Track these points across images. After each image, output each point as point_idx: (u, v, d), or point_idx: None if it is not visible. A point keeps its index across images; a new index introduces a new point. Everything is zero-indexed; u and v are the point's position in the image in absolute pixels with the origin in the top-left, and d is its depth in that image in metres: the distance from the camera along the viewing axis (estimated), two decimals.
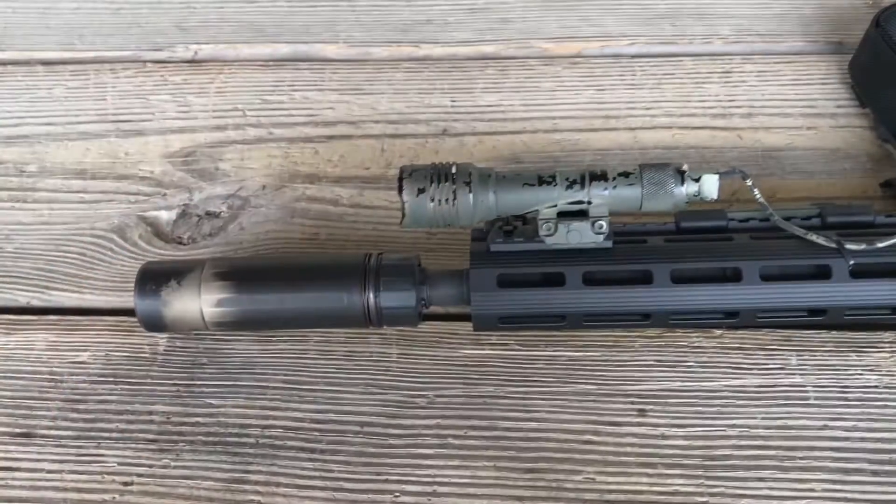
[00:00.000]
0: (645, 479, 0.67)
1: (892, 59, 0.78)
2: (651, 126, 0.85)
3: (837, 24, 0.91)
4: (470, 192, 0.67)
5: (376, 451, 0.70)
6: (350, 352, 0.75)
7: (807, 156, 0.83)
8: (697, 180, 0.67)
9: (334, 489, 0.68)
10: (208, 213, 0.84)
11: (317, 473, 0.69)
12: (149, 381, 0.74)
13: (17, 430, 0.73)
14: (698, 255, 0.68)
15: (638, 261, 0.68)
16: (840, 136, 0.83)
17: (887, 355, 0.71)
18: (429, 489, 0.68)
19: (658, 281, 0.67)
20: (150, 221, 0.83)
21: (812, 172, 0.81)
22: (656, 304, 0.67)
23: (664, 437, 0.69)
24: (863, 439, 0.68)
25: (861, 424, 0.68)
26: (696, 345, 0.73)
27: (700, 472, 0.67)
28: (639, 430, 0.69)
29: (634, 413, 0.70)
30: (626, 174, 0.67)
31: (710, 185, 0.67)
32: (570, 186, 0.67)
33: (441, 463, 0.69)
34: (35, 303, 0.80)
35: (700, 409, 0.70)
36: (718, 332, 0.73)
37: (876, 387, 0.70)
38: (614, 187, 0.67)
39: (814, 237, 0.67)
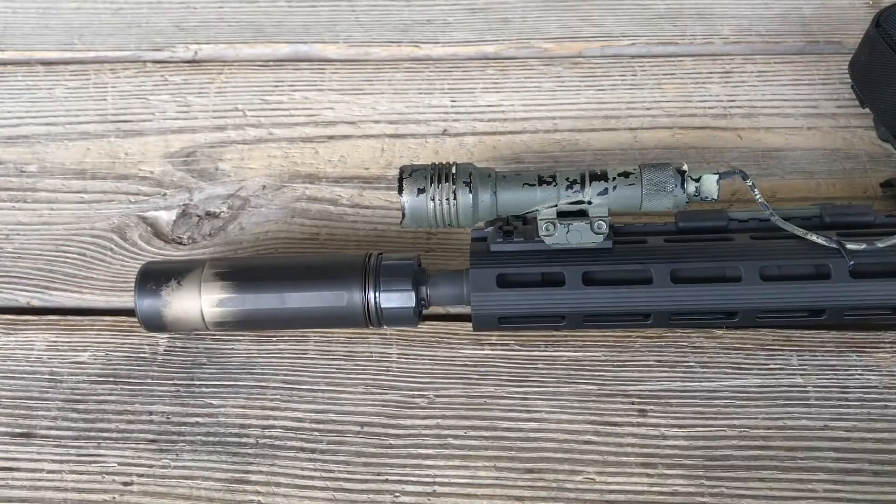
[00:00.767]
0: (645, 480, 0.67)
1: (892, 59, 0.78)
2: (651, 126, 0.85)
3: (837, 25, 0.91)
4: (470, 192, 0.67)
5: (376, 451, 0.70)
6: (350, 352, 0.75)
7: (807, 156, 0.83)
8: (697, 180, 0.67)
9: (334, 489, 0.68)
10: (208, 214, 0.84)
11: (317, 473, 0.69)
12: (149, 381, 0.74)
13: (17, 431, 0.72)
14: (698, 256, 0.67)
15: (638, 261, 0.68)
16: (840, 136, 0.83)
17: (887, 355, 0.71)
18: (429, 489, 0.68)
19: (658, 281, 0.67)
20: (150, 221, 0.83)
21: (812, 172, 0.81)
22: (656, 304, 0.67)
23: (664, 437, 0.69)
24: (863, 439, 0.68)
25: (861, 425, 0.68)
26: (696, 345, 0.73)
27: (700, 473, 0.67)
28: (639, 431, 0.69)
29: (635, 413, 0.70)
30: (626, 174, 0.67)
31: (710, 185, 0.67)
32: (570, 186, 0.67)
33: (441, 463, 0.69)
34: (35, 303, 0.80)
35: (700, 409, 0.70)
36: (719, 331, 0.73)
37: (876, 387, 0.70)
38: (614, 187, 0.67)
39: (814, 237, 0.67)
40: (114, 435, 0.71)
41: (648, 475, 0.67)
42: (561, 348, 0.73)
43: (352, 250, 0.80)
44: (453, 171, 0.68)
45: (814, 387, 0.70)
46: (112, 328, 0.77)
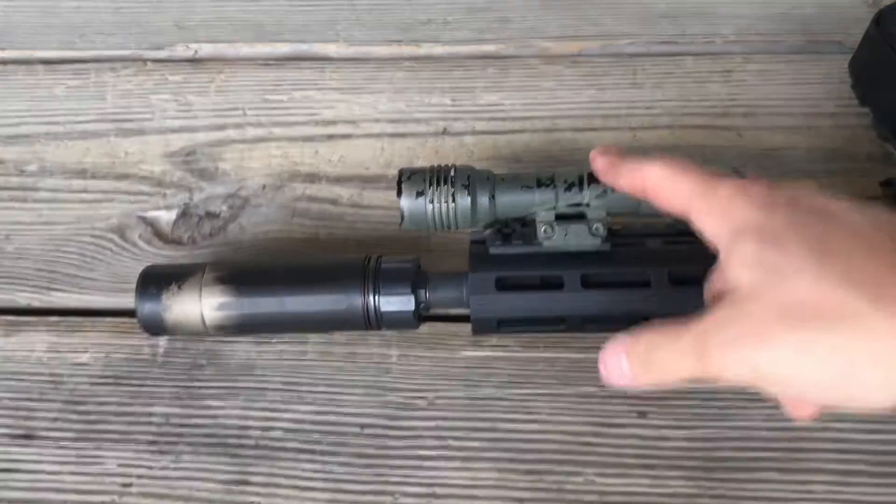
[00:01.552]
0: (645, 481, 0.67)
1: (892, 59, 0.78)
2: (651, 126, 0.85)
3: (838, 24, 0.91)
4: (468, 195, 0.68)
5: (377, 453, 0.70)
6: (350, 353, 0.75)
7: (807, 155, 0.83)
8: None
9: (335, 490, 0.68)
10: (208, 213, 0.84)
11: (317, 475, 0.69)
12: (149, 382, 0.74)
13: (18, 432, 0.73)
14: (697, 258, 0.67)
15: (636, 263, 0.68)
16: (840, 136, 0.83)
17: None
18: (429, 491, 0.68)
19: (656, 283, 0.67)
20: (151, 221, 0.83)
21: (812, 172, 0.81)
22: (655, 307, 0.67)
23: (665, 438, 0.69)
24: (863, 440, 0.68)
25: (861, 426, 0.68)
26: None
27: (701, 474, 0.67)
28: (639, 432, 0.69)
29: (635, 415, 0.70)
30: None
31: None
32: (568, 189, 0.67)
33: (441, 465, 0.69)
34: (35, 303, 0.80)
35: (701, 410, 0.70)
36: None
37: None
38: (612, 190, 0.67)
39: None
40: (114, 436, 0.72)
41: (649, 476, 0.67)
42: (561, 350, 0.73)
43: (352, 250, 0.80)
44: (452, 173, 0.68)
45: None
46: (112, 329, 0.77)
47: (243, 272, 0.71)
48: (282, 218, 0.83)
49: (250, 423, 0.72)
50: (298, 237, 0.82)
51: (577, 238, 0.68)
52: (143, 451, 0.71)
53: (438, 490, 0.68)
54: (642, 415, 0.70)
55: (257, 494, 0.68)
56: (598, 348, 0.72)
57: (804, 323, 0.49)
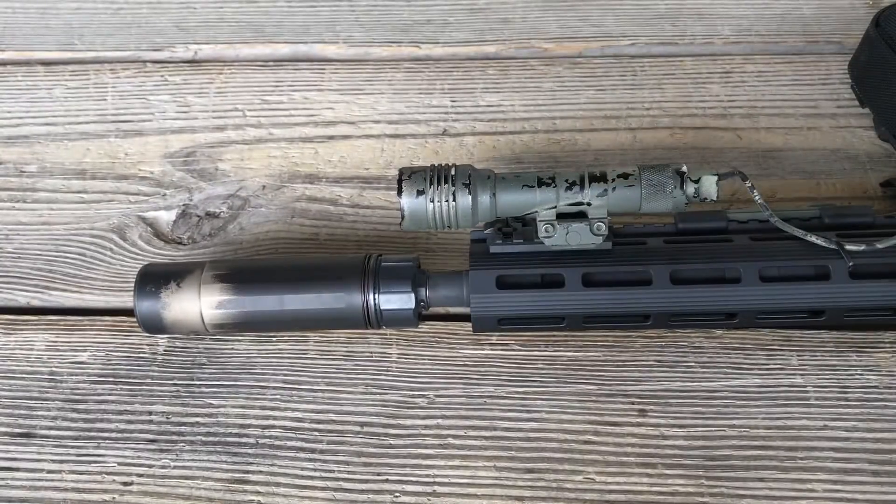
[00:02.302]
0: (645, 480, 0.67)
1: (891, 59, 0.78)
2: (651, 126, 0.85)
3: (837, 25, 0.91)
4: (469, 193, 0.67)
5: (376, 451, 0.70)
6: (350, 352, 0.75)
7: (807, 156, 0.83)
8: (697, 181, 0.67)
9: (334, 489, 0.68)
10: (208, 214, 0.84)
11: (317, 473, 0.69)
12: (148, 381, 0.74)
13: (17, 430, 0.72)
14: (697, 257, 0.67)
15: (637, 262, 0.68)
16: (840, 136, 0.83)
17: (887, 355, 0.71)
18: (428, 489, 0.68)
19: (657, 282, 0.67)
20: (150, 222, 0.83)
21: (812, 172, 0.81)
22: (656, 306, 0.67)
23: (664, 437, 0.69)
24: (863, 439, 0.68)
25: (861, 424, 0.68)
26: (696, 345, 0.73)
27: (700, 473, 0.67)
28: (639, 431, 0.69)
29: (635, 413, 0.70)
30: (625, 175, 0.67)
31: (710, 186, 0.67)
32: (569, 188, 0.67)
33: (441, 463, 0.69)
34: (35, 303, 0.80)
35: (700, 409, 0.70)
36: (719, 332, 0.73)
37: (876, 387, 0.70)
38: (613, 189, 0.67)
39: (813, 238, 0.67)
40: (114, 435, 0.71)
41: (648, 475, 0.67)
42: (561, 348, 0.73)
43: (352, 251, 0.80)
44: (452, 172, 0.68)
45: (814, 387, 0.70)
46: (112, 328, 0.77)
47: (242, 270, 0.71)
48: (281, 218, 0.83)
49: (250, 421, 0.72)
50: (298, 237, 0.82)
51: (578, 237, 0.68)
52: (142, 450, 0.71)
53: (438, 488, 0.68)
54: (642, 413, 0.70)
55: (257, 493, 0.68)
56: (598, 347, 0.73)
57: None
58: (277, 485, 0.69)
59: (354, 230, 0.81)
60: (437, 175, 0.68)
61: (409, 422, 0.71)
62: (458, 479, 0.68)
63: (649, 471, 0.67)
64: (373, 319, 0.69)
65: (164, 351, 0.76)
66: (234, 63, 0.94)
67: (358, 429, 0.71)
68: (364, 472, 0.69)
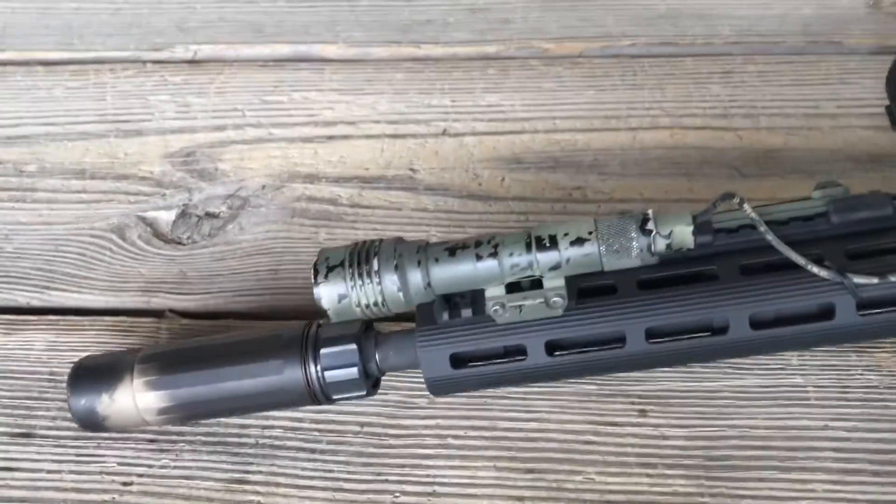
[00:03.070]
0: (645, 480, 0.67)
1: None
2: (652, 126, 0.85)
3: (838, 25, 0.91)
4: (397, 275, 0.62)
5: (376, 451, 0.69)
6: None
7: (808, 156, 0.82)
8: (669, 235, 0.60)
9: (334, 489, 0.68)
10: (208, 214, 0.84)
11: (317, 473, 0.69)
12: None
13: (17, 430, 0.72)
14: (676, 305, 0.61)
15: (608, 319, 0.61)
16: (841, 137, 0.83)
17: (888, 355, 0.71)
18: (429, 489, 0.68)
19: (632, 341, 0.61)
20: (150, 222, 0.83)
21: (813, 173, 0.81)
22: (631, 363, 0.63)
23: (665, 437, 0.69)
24: (863, 439, 0.67)
25: (862, 425, 0.68)
26: None
27: (701, 473, 0.67)
28: (639, 431, 0.69)
29: (635, 413, 0.70)
30: (579, 241, 0.60)
31: (684, 237, 0.60)
32: (514, 266, 0.61)
33: (441, 463, 0.69)
34: (34, 303, 0.80)
35: (701, 409, 0.70)
36: None
37: (877, 387, 0.70)
38: (567, 260, 0.60)
39: (815, 269, 0.59)
40: (113, 435, 0.71)
41: (648, 475, 0.67)
42: None
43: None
44: (376, 249, 0.62)
45: (814, 387, 0.70)
46: (112, 328, 0.77)
47: (172, 368, 0.66)
48: (281, 218, 0.83)
49: (250, 421, 0.71)
50: (298, 237, 0.82)
51: (533, 313, 0.61)
52: (142, 450, 0.71)
53: (438, 488, 0.68)
54: (642, 413, 0.70)
55: (257, 493, 0.68)
56: None
57: None
58: (277, 485, 0.68)
59: (354, 230, 0.81)
60: (359, 255, 0.62)
61: (409, 422, 0.71)
62: (458, 480, 0.68)
63: (649, 471, 0.67)
64: (319, 396, 0.65)
65: None
66: (233, 63, 0.94)
67: (358, 429, 0.71)
68: (364, 472, 0.69)
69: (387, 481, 0.68)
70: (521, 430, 0.70)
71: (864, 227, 0.61)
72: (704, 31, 0.92)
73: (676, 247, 0.60)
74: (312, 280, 0.62)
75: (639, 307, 0.61)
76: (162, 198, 0.85)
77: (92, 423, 0.68)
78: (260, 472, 0.69)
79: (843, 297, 0.59)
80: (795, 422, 0.68)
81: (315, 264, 0.62)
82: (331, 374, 0.64)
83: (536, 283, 0.61)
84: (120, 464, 0.70)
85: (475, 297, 0.62)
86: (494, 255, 0.61)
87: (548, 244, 0.60)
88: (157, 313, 0.79)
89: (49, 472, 0.70)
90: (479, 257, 0.61)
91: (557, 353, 0.62)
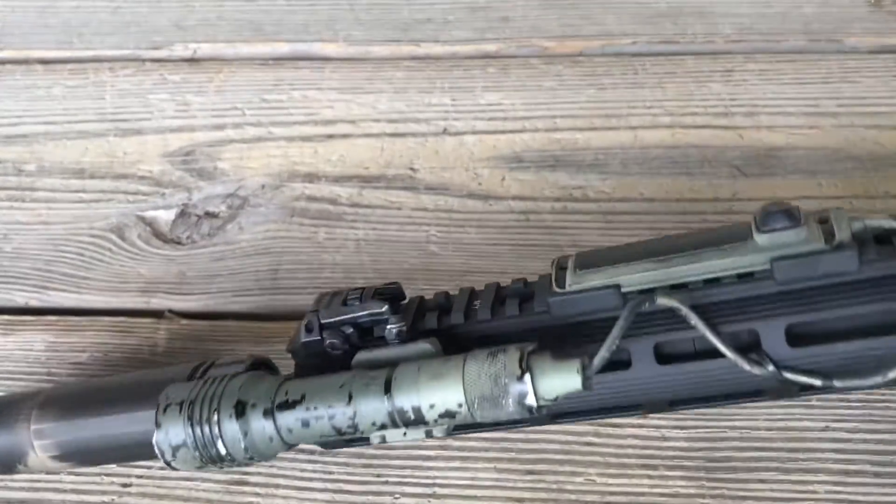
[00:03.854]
0: (646, 481, 0.67)
1: None
2: (652, 125, 0.85)
3: (839, 23, 0.91)
4: (238, 424, 0.54)
5: (376, 453, 0.69)
6: None
7: (808, 155, 0.82)
8: (554, 400, 0.50)
9: (334, 490, 0.68)
10: (207, 213, 0.83)
11: (316, 475, 0.69)
12: None
13: None
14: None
15: None
16: (842, 136, 0.83)
17: None
18: (428, 490, 0.68)
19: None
20: (149, 221, 0.83)
21: (814, 172, 0.81)
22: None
23: (665, 438, 0.68)
24: (865, 441, 0.67)
25: (863, 426, 0.68)
26: None
27: (702, 474, 0.67)
28: (640, 432, 0.69)
29: (636, 414, 0.70)
30: (450, 415, 0.52)
31: (569, 387, 0.50)
32: (379, 436, 0.54)
33: (441, 464, 0.68)
34: (33, 303, 0.80)
35: (701, 410, 0.69)
36: None
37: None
38: (436, 426, 0.53)
39: (747, 367, 0.51)
40: None
41: (649, 476, 0.67)
42: None
43: (351, 250, 0.79)
44: (221, 390, 0.54)
45: None
46: (111, 328, 0.77)
47: (59, 415, 0.63)
48: (281, 217, 0.83)
49: None
50: (297, 237, 0.81)
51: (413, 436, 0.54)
52: None
53: (438, 490, 0.67)
54: (643, 414, 0.70)
55: (256, 494, 0.68)
56: None
57: None
58: (277, 486, 0.68)
59: (353, 229, 0.81)
60: (201, 398, 0.54)
61: None
62: (459, 481, 0.68)
63: (650, 472, 0.67)
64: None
65: (164, 352, 0.75)
66: (233, 62, 0.94)
67: None
68: (364, 473, 0.68)
69: (387, 482, 0.68)
70: (521, 431, 0.69)
71: (817, 289, 0.52)
72: (705, 30, 0.92)
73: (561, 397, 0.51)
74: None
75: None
76: (161, 197, 0.85)
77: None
78: (259, 474, 0.69)
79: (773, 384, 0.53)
80: (796, 423, 0.68)
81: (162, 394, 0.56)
82: None
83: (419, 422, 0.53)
84: (119, 465, 0.70)
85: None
86: (354, 429, 0.53)
87: (412, 417, 0.52)
88: (156, 313, 0.79)
89: (48, 473, 0.70)
90: (338, 430, 0.53)
91: None
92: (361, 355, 0.56)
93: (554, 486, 0.67)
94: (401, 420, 0.52)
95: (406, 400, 0.52)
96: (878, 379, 0.51)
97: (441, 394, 0.51)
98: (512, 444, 0.69)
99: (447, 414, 0.51)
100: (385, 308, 0.56)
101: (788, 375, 0.51)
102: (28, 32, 0.98)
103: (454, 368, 0.51)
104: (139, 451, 0.59)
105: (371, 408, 0.52)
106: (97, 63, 0.94)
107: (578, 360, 0.49)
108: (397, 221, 0.81)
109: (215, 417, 0.53)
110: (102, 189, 0.85)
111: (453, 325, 0.57)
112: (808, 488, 0.66)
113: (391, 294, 0.58)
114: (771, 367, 0.51)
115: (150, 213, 0.84)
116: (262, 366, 0.61)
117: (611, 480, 0.67)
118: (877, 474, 0.66)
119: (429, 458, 0.69)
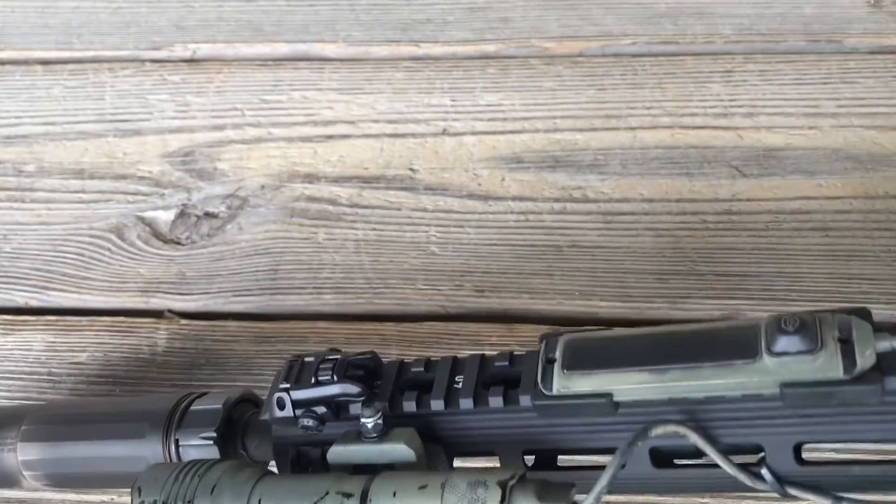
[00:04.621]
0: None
1: None
2: (652, 126, 0.85)
3: (838, 24, 0.91)
4: None
5: None
6: None
7: (808, 155, 0.82)
8: None
9: None
10: (207, 214, 0.83)
11: None
12: (147, 381, 0.74)
13: None
14: None
15: None
16: (841, 136, 0.83)
17: None
18: None
19: None
20: (149, 221, 0.83)
21: (813, 172, 0.81)
22: None
23: None
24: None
25: None
26: None
27: None
28: None
29: None
30: None
31: None
32: None
33: None
34: (33, 303, 0.80)
35: None
36: None
37: None
38: None
39: (751, 483, 0.48)
40: None
41: None
42: None
43: (351, 250, 0.79)
44: (200, 471, 0.51)
45: None
46: (111, 328, 0.77)
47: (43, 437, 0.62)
48: (280, 218, 0.83)
49: None
50: (297, 237, 0.81)
51: None
52: None
53: None
54: None
55: None
56: None
57: None
58: None
59: (353, 230, 0.81)
60: (176, 498, 0.50)
61: None
62: None
63: None
64: None
65: (163, 352, 0.75)
66: (232, 62, 0.94)
67: None
68: None
69: None
70: None
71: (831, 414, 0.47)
72: (705, 30, 0.91)
73: None
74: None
75: None
76: (161, 198, 0.85)
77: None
78: None
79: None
80: None
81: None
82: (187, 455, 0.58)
83: None
84: None
85: None
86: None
87: None
88: (155, 313, 0.79)
89: None
90: None
91: None
92: (337, 450, 0.52)
93: None
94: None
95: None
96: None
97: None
98: None
99: None
100: (359, 390, 0.53)
101: (792, 491, 0.48)
102: (28, 33, 0.98)
103: (432, 499, 0.46)
104: (129, 481, 0.54)
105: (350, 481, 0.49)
106: (97, 63, 0.94)
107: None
108: (397, 222, 0.81)
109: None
110: (102, 189, 0.85)
111: (433, 412, 0.53)
112: None
113: (365, 366, 0.55)
114: (773, 481, 0.48)
115: (149, 214, 0.84)
116: (244, 402, 0.60)
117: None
118: None
119: None
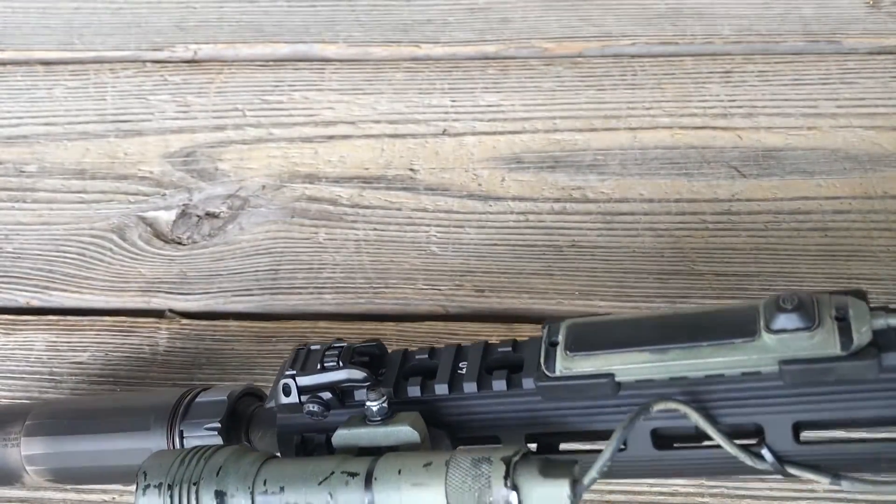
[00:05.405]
0: (646, 480, 0.67)
1: None
2: (651, 126, 0.85)
3: (837, 24, 0.91)
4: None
5: None
6: None
7: (807, 156, 0.82)
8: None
9: None
10: (208, 214, 0.83)
11: None
12: (148, 381, 0.74)
13: None
14: None
15: None
16: (840, 136, 0.83)
17: None
18: None
19: None
20: (150, 222, 0.83)
21: (812, 172, 0.81)
22: None
23: None
24: (865, 440, 0.67)
25: None
26: None
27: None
28: None
29: None
30: None
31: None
32: None
33: None
34: (34, 303, 0.80)
35: None
36: None
37: None
38: None
39: (752, 463, 0.48)
40: None
41: None
42: None
43: (351, 250, 0.80)
44: (202, 465, 0.50)
45: None
46: (112, 328, 0.77)
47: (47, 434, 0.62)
48: (281, 218, 0.83)
49: None
50: (298, 237, 0.81)
51: None
52: None
53: None
54: None
55: None
56: None
57: None
58: None
59: (354, 230, 0.81)
60: (182, 481, 0.50)
61: None
62: None
63: None
64: None
65: (165, 351, 0.76)
66: (233, 63, 0.94)
67: None
68: None
69: None
70: None
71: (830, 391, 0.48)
72: (704, 31, 0.92)
73: None
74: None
75: None
76: (162, 198, 0.85)
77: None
78: None
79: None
80: None
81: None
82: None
83: None
84: None
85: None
86: None
87: None
88: (157, 313, 0.79)
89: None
90: None
91: None
92: (342, 433, 0.52)
93: None
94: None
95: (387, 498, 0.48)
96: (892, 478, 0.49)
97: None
98: None
99: None
100: (364, 375, 0.54)
101: (792, 470, 0.48)
102: (29, 33, 0.98)
103: (437, 476, 0.47)
104: (132, 476, 0.55)
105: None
106: (98, 64, 0.95)
107: (568, 480, 0.45)
108: (397, 222, 0.81)
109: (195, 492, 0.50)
110: (103, 189, 0.86)
111: (438, 396, 0.53)
112: (807, 487, 0.66)
113: (371, 354, 0.55)
114: (773, 461, 0.48)
115: (150, 214, 0.84)
116: (249, 395, 0.61)
117: (611, 479, 0.67)
118: (876, 473, 0.66)
119: None
